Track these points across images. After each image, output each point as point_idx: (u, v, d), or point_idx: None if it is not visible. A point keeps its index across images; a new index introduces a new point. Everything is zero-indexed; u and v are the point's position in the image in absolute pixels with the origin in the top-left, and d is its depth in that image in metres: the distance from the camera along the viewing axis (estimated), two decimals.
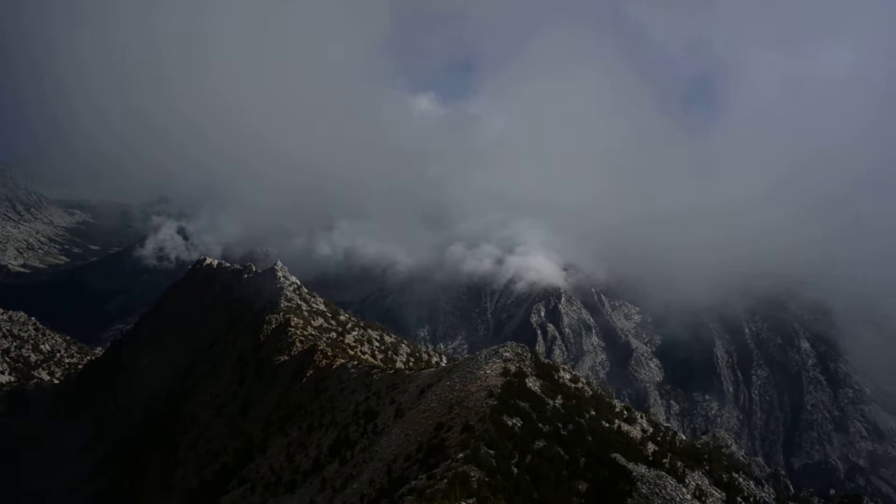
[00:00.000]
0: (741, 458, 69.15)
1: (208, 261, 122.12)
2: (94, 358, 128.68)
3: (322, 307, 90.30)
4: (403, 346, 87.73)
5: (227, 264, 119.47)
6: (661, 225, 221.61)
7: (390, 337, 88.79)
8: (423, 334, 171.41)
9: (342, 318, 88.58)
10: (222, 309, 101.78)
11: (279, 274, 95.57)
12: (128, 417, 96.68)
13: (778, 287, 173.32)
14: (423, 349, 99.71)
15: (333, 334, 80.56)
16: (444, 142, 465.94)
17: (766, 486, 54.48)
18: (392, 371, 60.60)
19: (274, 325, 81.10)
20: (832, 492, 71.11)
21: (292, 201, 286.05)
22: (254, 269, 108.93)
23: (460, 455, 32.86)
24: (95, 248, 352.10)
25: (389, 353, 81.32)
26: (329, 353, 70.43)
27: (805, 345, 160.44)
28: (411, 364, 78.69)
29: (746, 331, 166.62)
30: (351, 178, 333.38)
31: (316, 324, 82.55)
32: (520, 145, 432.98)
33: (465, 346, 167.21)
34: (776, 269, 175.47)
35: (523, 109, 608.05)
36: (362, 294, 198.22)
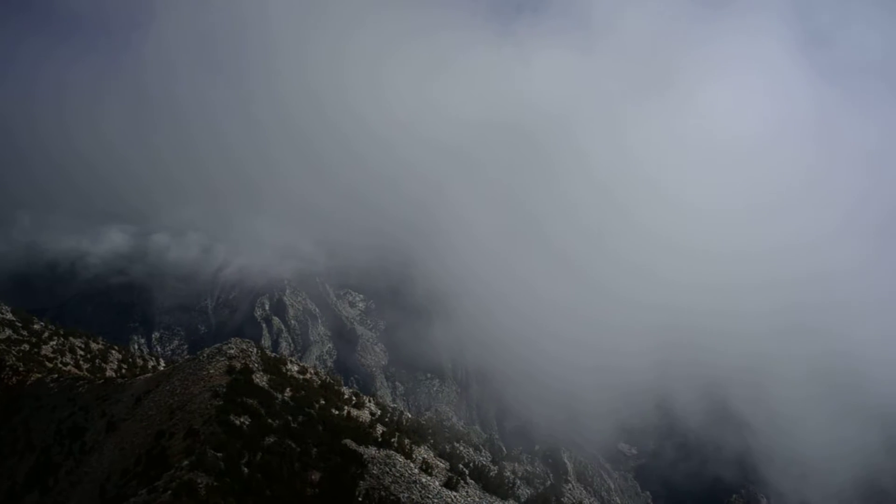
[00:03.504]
0: (461, 428, 74.60)
1: None
2: None
3: (10, 316, 78.60)
4: (114, 352, 79.93)
5: None
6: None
7: (98, 343, 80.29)
8: (136, 337, 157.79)
9: (36, 327, 78.01)
10: None
11: None
12: None
13: None
14: (138, 354, 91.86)
15: (26, 346, 70.66)
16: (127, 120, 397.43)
17: (484, 450, 59.53)
18: (101, 381, 55.00)
19: None
20: (537, 447, 79.82)
21: None
22: None
23: (185, 462, 31.03)
24: None
25: (98, 361, 73.57)
26: (21, 369, 61.74)
27: None
28: (124, 371, 72.06)
29: None
30: (21, 165, 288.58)
31: (2, 336, 71.78)
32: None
33: (186, 347, 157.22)
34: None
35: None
36: (62, 297, 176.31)
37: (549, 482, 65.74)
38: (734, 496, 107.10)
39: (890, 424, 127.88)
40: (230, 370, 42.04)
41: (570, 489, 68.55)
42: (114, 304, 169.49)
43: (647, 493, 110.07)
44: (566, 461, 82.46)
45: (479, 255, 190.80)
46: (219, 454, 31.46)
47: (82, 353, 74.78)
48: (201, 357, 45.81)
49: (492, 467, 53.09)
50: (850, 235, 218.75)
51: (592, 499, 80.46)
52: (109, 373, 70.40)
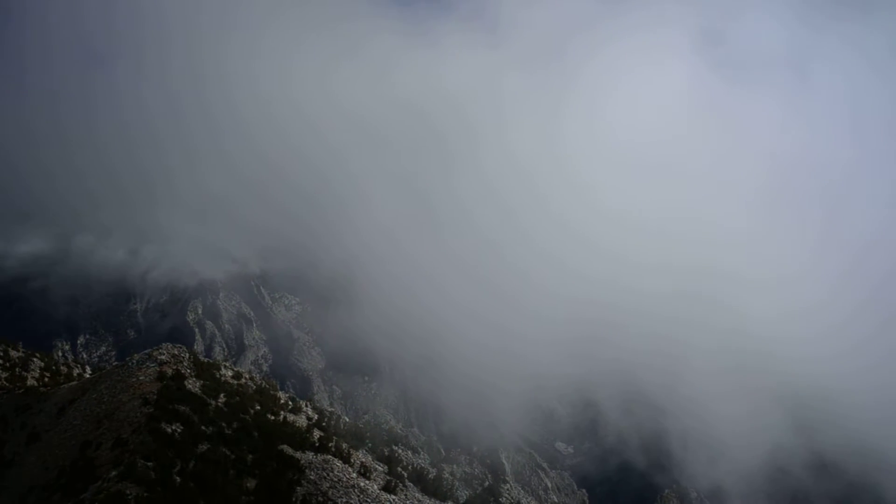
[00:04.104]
0: (399, 431, 74.35)
1: None
2: None
3: None
4: (36, 360, 76.33)
5: None
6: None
7: (17, 351, 76.54)
8: (61, 344, 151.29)
9: None
10: None
11: None
12: None
13: None
14: (62, 361, 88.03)
15: None
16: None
17: (422, 452, 59.56)
18: (22, 390, 52.54)
19: None
20: (475, 448, 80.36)
21: None
22: None
23: (113, 473, 29.92)
24: None
25: (18, 370, 70.15)
26: None
27: None
28: (47, 380, 68.94)
29: None
30: None
31: None
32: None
33: (114, 353, 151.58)
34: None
35: None
36: None
37: (487, 483, 66.25)
38: (666, 491, 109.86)
39: (795, 403, 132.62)
40: (161, 376, 40.76)
41: (508, 489, 69.14)
42: (35, 308, 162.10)
43: (583, 490, 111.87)
44: (504, 461, 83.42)
45: (405, 264, 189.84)
46: (149, 463, 30.44)
47: (1, 361, 71.25)
48: (130, 363, 44.32)
49: (430, 470, 53.15)
50: (749, 217, 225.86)
51: (530, 498, 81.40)
52: (31, 382, 67.19)
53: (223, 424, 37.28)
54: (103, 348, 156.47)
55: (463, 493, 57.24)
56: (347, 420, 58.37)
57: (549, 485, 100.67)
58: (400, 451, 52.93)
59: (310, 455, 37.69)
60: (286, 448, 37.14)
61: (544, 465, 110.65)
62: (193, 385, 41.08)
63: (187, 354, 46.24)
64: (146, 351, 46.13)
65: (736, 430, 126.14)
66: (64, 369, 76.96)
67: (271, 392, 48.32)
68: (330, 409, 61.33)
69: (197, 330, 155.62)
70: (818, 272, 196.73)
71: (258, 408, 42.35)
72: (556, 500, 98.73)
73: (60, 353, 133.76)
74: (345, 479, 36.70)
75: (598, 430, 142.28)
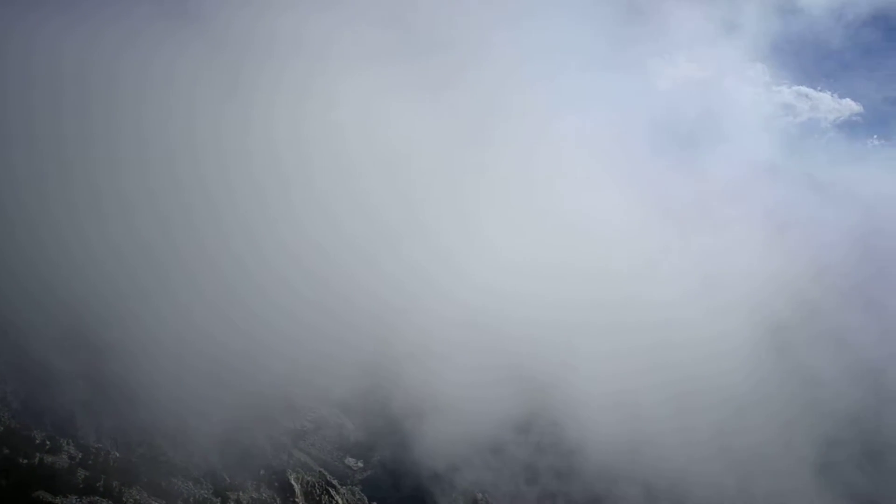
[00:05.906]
0: (178, 461, 69.63)
1: None
2: None
3: None
4: None
5: None
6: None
7: None
8: None
9: None
10: None
11: None
12: None
13: None
14: None
15: None
16: None
17: (205, 482, 56.32)
18: None
19: None
20: (262, 472, 77.64)
21: None
22: None
23: None
24: None
25: None
26: None
27: None
28: None
29: None
30: None
31: None
32: None
33: None
34: None
35: None
36: None
37: None
38: (454, 495, 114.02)
39: (513, 363, 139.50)
40: None
41: None
42: None
43: (375, 502, 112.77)
44: (293, 483, 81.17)
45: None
46: None
47: None
48: None
49: (214, 500, 50.61)
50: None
51: None
52: None
53: None
54: None
55: None
56: (118, 455, 53.49)
57: (340, 502, 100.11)
58: (180, 482, 49.62)
59: (73, 499, 34.29)
60: (43, 494, 33.36)
61: (335, 482, 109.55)
62: None
63: None
64: None
65: (471, 408, 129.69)
66: None
67: (24, 433, 43.21)
68: (97, 445, 55.76)
69: None
70: (525, 231, 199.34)
71: (7, 452, 37.54)
72: None
73: None
74: None
75: (380, 440, 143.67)
